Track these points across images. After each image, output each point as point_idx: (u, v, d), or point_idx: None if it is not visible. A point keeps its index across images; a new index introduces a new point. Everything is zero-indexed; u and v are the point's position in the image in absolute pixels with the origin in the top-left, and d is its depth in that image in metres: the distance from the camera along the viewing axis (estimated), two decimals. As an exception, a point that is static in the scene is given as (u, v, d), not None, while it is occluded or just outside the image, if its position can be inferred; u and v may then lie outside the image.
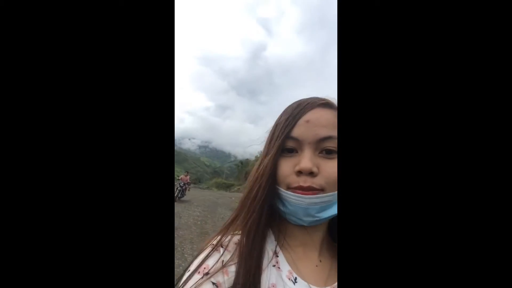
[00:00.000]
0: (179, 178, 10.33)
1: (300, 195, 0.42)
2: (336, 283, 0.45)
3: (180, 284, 0.41)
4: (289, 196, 0.43)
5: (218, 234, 0.47)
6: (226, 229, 0.47)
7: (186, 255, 4.10)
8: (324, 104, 0.47)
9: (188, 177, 10.84)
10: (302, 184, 0.42)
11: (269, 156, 0.45)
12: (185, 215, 7.05)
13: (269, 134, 0.49)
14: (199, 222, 6.50)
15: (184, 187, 9.84)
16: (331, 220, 0.48)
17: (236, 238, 0.45)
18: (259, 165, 0.47)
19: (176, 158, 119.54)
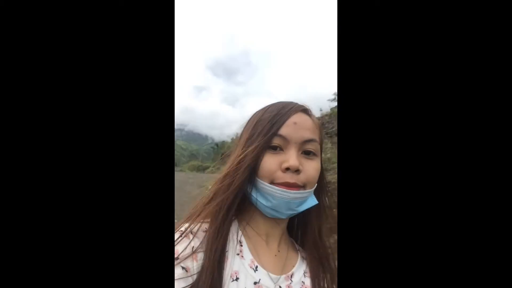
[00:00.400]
0: None
1: (286, 190, 0.46)
2: (291, 271, 0.51)
3: None
4: (274, 190, 0.47)
5: (187, 220, 0.49)
6: (195, 216, 0.49)
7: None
8: (304, 110, 0.52)
9: None
10: (288, 180, 0.46)
11: (253, 149, 0.47)
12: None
13: (250, 129, 0.52)
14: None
15: None
16: (290, 218, 0.54)
17: (205, 226, 0.48)
18: (238, 157, 0.49)
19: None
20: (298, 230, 0.59)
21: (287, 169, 0.47)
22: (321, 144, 0.54)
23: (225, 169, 0.51)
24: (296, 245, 0.58)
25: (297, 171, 0.47)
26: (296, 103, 0.54)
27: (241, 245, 0.49)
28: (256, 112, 0.56)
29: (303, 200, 0.49)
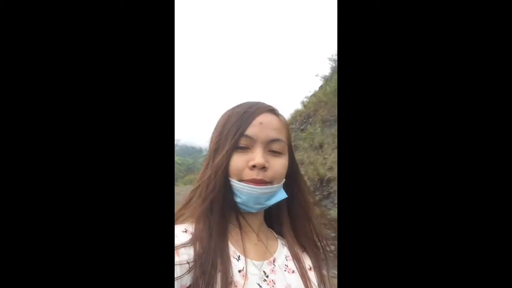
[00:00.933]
0: None
1: (254, 186, 0.50)
2: (273, 257, 0.55)
3: None
4: (243, 187, 0.51)
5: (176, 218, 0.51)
6: (177, 216, 0.53)
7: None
8: (271, 110, 0.55)
9: None
10: (255, 177, 0.50)
11: (224, 151, 0.51)
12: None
13: (218, 131, 0.55)
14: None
15: None
16: (266, 211, 0.58)
17: (183, 227, 0.50)
18: (212, 160, 0.53)
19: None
20: (274, 220, 0.62)
21: (254, 166, 0.50)
22: (289, 141, 0.57)
23: (200, 173, 0.55)
24: (274, 233, 0.62)
25: (263, 168, 0.50)
26: (263, 103, 0.56)
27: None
28: (224, 113, 0.58)
29: (271, 194, 0.53)
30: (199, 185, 0.52)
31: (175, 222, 0.52)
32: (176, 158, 73.63)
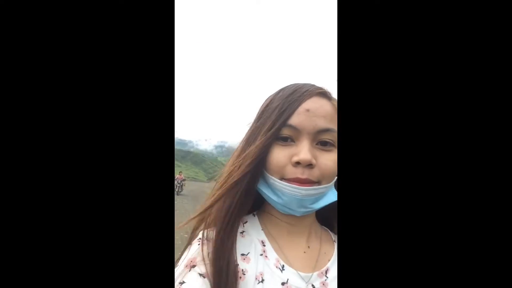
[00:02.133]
0: (176, 177, 12.83)
1: (297, 186, 0.41)
2: (326, 267, 0.45)
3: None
4: (284, 186, 0.42)
5: (196, 227, 0.46)
6: (202, 217, 0.46)
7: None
8: (322, 93, 0.45)
9: (182, 175, 13.94)
10: (300, 176, 0.41)
11: (260, 141, 0.42)
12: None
13: (257, 117, 0.46)
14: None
15: (181, 184, 12.92)
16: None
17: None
18: (243, 151, 0.44)
19: (194, 159, 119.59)
20: (332, 218, 0.51)
21: (298, 163, 0.41)
22: None
23: (227, 166, 0.46)
24: (331, 235, 0.51)
25: (309, 165, 0.41)
26: (313, 85, 0.46)
27: (264, 245, 0.45)
28: (268, 97, 0.48)
29: (319, 196, 0.43)
30: (225, 181, 0.44)
31: (196, 230, 0.46)
32: (221, 159, 75.47)
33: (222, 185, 0.44)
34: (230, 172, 0.44)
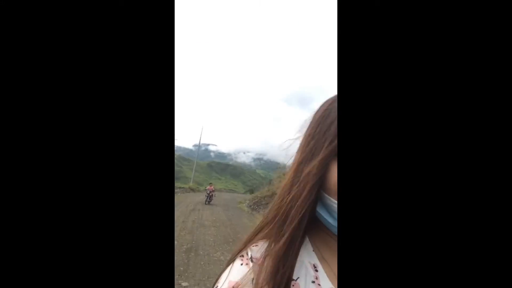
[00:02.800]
0: (206, 188, 14.60)
1: None
2: None
3: None
4: None
5: (246, 243, 0.42)
6: (254, 236, 0.42)
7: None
8: None
9: (212, 187, 14.83)
10: None
11: (319, 158, 0.38)
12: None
13: (310, 130, 0.42)
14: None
15: (210, 194, 13.84)
16: None
17: (265, 245, 0.40)
18: (299, 168, 0.40)
19: (233, 171, 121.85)
20: None
21: None
22: None
23: (285, 183, 0.42)
24: None
25: None
26: None
27: (316, 270, 0.40)
28: (322, 104, 0.43)
29: None
30: (282, 199, 0.41)
31: (248, 242, 0.42)
32: (260, 171, 75.45)
33: (279, 203, 0.41)
34: (292, 190, 0.40)
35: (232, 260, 0.41)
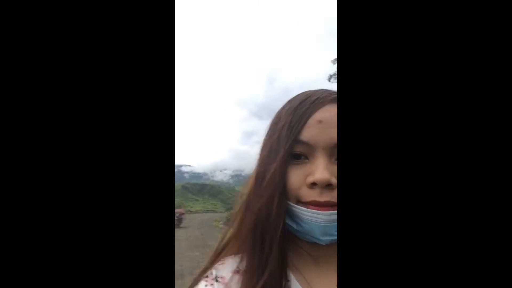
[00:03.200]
0: (176, 211, 14.42)
1: (317, 211, 0.35)
2: None
3: None
4: (301, 212, 0.36)
5: (211, 261, 0.41)
6: (219, 253, 0.41)
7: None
8: (336, 99, 0.39)
9: (182, 209, 15.60)
10: (317, 198, 0.35)
11: (276, 163, 0.37)
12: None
13: (267, 137, 0.42)
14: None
15: (179, 217, 14.20)
16: None
17: (232, 262, 0.40)
18: (259, 177, 0.40)
19: (211, 191, 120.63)
20: None
21: (314, 184, 0.36)
22: None
23: (244, 194, 0.42)
24: None
25: (328, 185, 0.35)
26: (326, 91, 0.41)
27: (288, 280, 0.38)
28: (277, 112, 0.43)
29: None
30: (246, 206, 0.40)
31: (214, 260, 0.41)
32: (239, 187, 75.91)
33: (241, 216, 0.41)
34: (251, 200, 0.40)
35: (196, 283, 0.39)
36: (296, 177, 0.37)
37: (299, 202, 0.37)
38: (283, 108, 0.42)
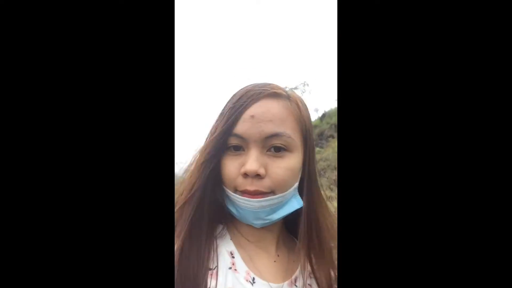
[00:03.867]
0: None
1: (248, 198, 0.39)
2: (295, 275, 0.44)
3: None
4: (237, 199, 0.40)
5: None
6: None
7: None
8: (272, 94, 0.41)
9: None
10: (248, 187, 0.39)
11: (208, 152, 0.40)
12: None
13: (212, 128, 0.44)
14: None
15: None
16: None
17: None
18: (195, 164, 0.42)
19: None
20: (298, 225, 0.46)
21: (246, 174, 0.39)
22: (304, 132, 0.43)
23: (180, 182, 0.43)
24: (297, 242, 0.46)
25: (257, 175, 0.39)
26: (265, 85, 0.43)
27: (233, 257, 0.42)
28: (225, 104, 0.45)
29: (276, 207, 0.41)
30: (182, 192, 0.42)
31: None
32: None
33: (180, 197, 0.42)
34: (186, 187, 0.41)
35: None
36: (232, 167, 0.40)
37: (236, 190, 0.41)
38: (227, 103, 0.44)
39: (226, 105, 0.44)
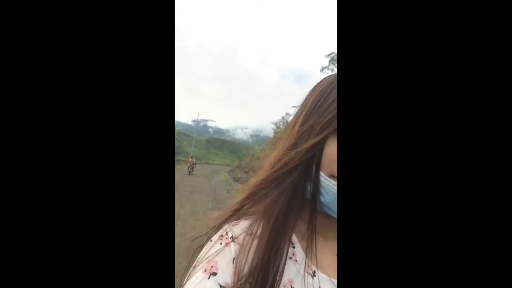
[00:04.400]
0: (188, 160, 17.84)
1: None
2: None
3: (184, 282, 0.36)
4: (329, 185, 0.37)
5: (225, 219, 0.41)
6: (233, 213, 0.41)
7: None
8: None
9: (193, 159, 17.96)
10: None
11: (321, 135, 0.37)
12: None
13: (311, 102, 0.41)
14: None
15: (192, 166, 16.89)
16: None
17: (247, 224, 0.39)
18: (292, 145, 0.39)
19: (231, 147, 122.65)
20: None
21: None
22: None
23: (276, 155, 0.40)
24: None
25: None
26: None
27: (294, 247, 0.40)
28: (320, 82, 0.43)
29: None
30: (274, 169, 0.39)
31: (238, 213, 0.41)
32: (257, 147, 76.06)
33: (267, 176, 0.40)
34: (280, 163, 0.39)
35: (209, 239, 0.40)
36: (336, 151, 0.36)
37: (332, 176, 0.37)
38: (329, 83, 0.41)
39: (326, 89, 0.40)
